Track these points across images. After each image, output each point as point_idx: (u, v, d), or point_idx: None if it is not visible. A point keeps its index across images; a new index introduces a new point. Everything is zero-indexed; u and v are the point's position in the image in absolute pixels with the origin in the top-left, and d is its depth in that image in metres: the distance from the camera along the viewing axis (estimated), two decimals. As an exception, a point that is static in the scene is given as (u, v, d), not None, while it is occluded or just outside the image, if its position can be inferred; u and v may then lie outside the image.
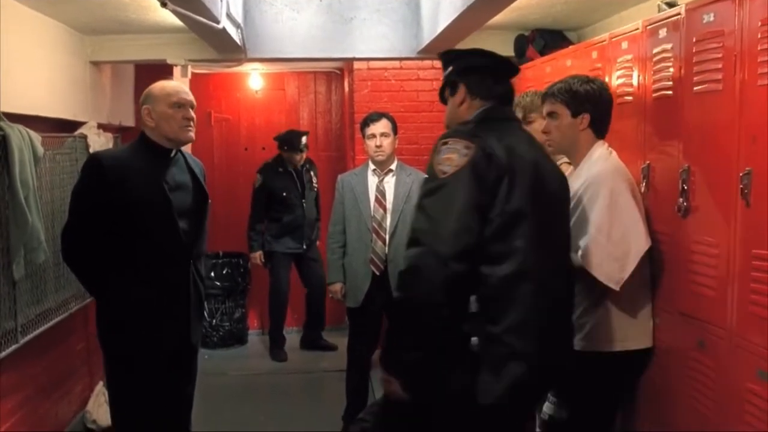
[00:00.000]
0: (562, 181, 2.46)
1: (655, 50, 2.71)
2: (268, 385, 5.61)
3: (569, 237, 2.47)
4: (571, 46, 4.03)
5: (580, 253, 2.69)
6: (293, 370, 5.94)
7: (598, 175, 2.72)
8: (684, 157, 2.52)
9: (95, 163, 2.95)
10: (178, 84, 3.17)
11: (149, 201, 2.94)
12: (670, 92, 2.62)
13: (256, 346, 6.63)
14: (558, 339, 2.33)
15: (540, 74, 4.11)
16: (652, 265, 2.76)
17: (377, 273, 4.28)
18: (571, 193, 2.76)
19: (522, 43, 4.66)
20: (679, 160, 2.55)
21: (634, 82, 2.91)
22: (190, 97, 3.07)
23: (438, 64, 5.41)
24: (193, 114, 3.05)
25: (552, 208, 2.34)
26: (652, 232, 2.70)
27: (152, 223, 2.96)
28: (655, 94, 2.73)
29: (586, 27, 4.50)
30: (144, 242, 2.95)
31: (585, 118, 2.80)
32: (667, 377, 2.68)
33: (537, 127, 3.29)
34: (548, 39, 4.45)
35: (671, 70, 2.61)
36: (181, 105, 3.01)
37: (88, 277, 3.04)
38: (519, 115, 3.34)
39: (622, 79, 3.01)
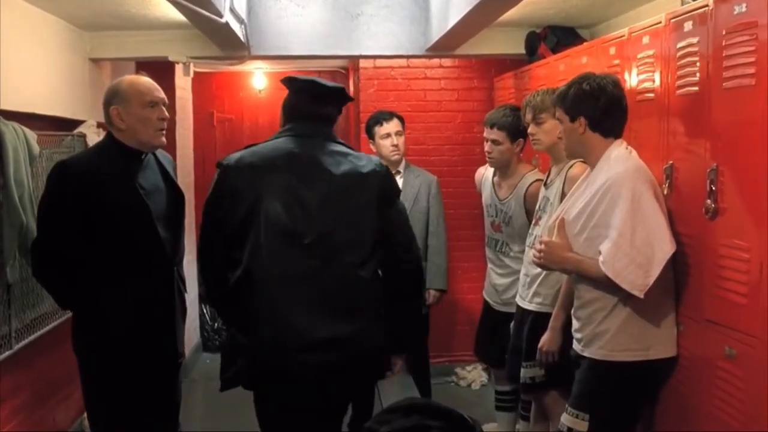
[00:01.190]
0: (341, 179, 2.57)
1: (680, 44, 2.58)
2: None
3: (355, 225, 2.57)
4: (586, 43, 3.90)
5: (600, 259, 2.57)
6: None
7: (618, 175, 2.60)
8: (712, 156, 2.39)
9: (62, 171, 2.74)
10: (148, 79, 2.89)
11: (126, 209, 2.75)
12: (696, 88, 2.48)
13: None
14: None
15: (553, 72, 3.99)
16: (675, 270, 2.63)
17: (384, 277, 4.13)
18: (589, 197, 2.66)
19: (533, 41, 4.54)
20: (706, 159, 2.42)
21: (656, 79, 2.78)
22: (162, 93, 2.86)
23: (446, 63, 5.37)
24: (167, 113, 2.84)
25: (309, 200, 2.53)
26: (675, 235, 2.57)
27: (131, 231, 2.77)
28: (679, 91, 2.60)
29: (599, 24, 4.37)
30: (123, 252, 2.77)
31: (581, 121, 2.69)
32: (692, 388, 2.55)
33: (548, 127, 3.19)
34: (561, 36, 4.33)
35: (698, 65, 2.48)
36: (155, 104, 2.79)
37: (61, 292, 2.88)
38: (529, 115, 3.24)
39: (643, 75, 2.88)
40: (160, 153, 3.00)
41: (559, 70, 3.89)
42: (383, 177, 2.65)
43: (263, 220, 2.50)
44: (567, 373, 2.98)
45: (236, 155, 2.61)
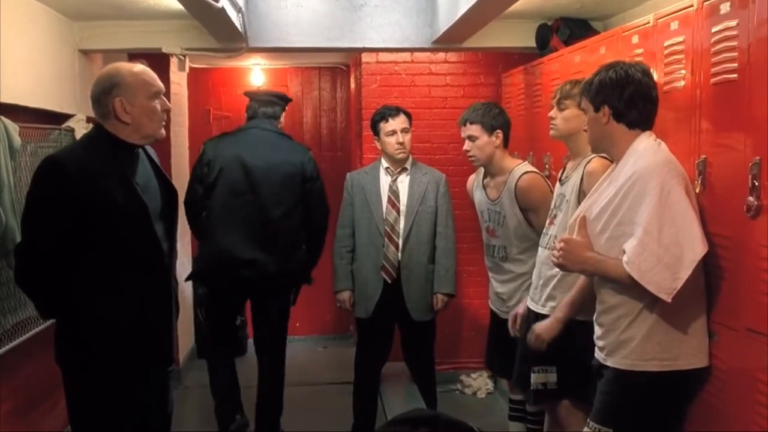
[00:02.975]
0: (277, 158, 4.05)
1: (715, 29, 2.38)
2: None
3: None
4: (604, 32, 3.70)
5: (624, 258, 2.38)
6: (295, 383, 5.60)
7: (645, 169, 2.40)
8: (753, 149, 2.18)
9: (52, 167, 2.50)
10: (148, 68, 2.67)
11: (123, 208, 2.54)
12: (735, 76, 2.28)
13: (255, 356, 6.27)
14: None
15: (567, 65, 3.79)
16: (707, 273, 2.43)
17: (389, 281, 3.97)
18: (613, 192, 2.47)
19: (545, 33, 4.35)
20: (746, 153, 2.21)
21: (687, 68, 2.57)
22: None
23: (452, 57, 5.19)
24: (169, 103, 2.68)
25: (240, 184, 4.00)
26: (708, 235, 2.37)
27: (126, 232, 2.57)
28: (714, 80, 2.40)
29: (614, 15, 4.17)
30: (118, 255, 2.56)
31: (605, 111, 2.51)
32: (728, 402, 2.35)
33: (568, 114, 3.08)
34: (574, 28, 4.13)
35: (736, 52, 2.27)
36: (159, 94, 2.62)
37: (46, 300, 2.62)
38: (554, 99, 3.10)
39: (671, 66, 2.67)
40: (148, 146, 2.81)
41: (574, 62, 3.69)
42: (308, 160, 4.11)
43: (221, 181, 3.98)
44: (580, 381, 2.89)
45: (214, 138, 4.29)
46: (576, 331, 3.04)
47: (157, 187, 2.71)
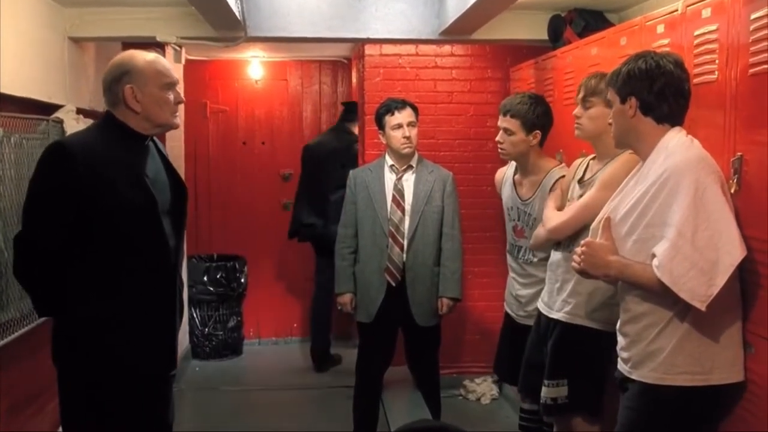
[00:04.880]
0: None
1: (755, 15, 2.20)
2: (264, 403, 5.14)
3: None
4: (626, 22, 3.50)
5: (655, 262, 2.20)
6: (294, 386, 5.46)
7: (677, 165, 2.22)
8: (799, 146, 2.01)
9: (63, 152, 2.37)
10: (162, 57, 2.61)
11: (131, 201, 2.43)
12: (777, 66, 2.10)
13: (252, 357, 6.19)
14: None
15: (582, 59, 3.61)
16: (743, 279, 2.26)
17: (393, 283, 3.79)
18: (641, 192, 2.29)
19: (558, 25, 4.16)
20: (790, 150, 2.04)
21: (721, 58, 2.39)
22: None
23: (458, 50, 5.01)
24: (182, 95, 2.63)
25: None
26: (745, 238, 2.19)
27: (133, 226, 2.45)
28: (752, 70, 2.22)
29: (631, 7, 3.98)
30: (124, 251, 2.44)
31: (632, 103, 2.33)
32: (765, 421, 2.17)
33: (594, 113, 2.89)
34: (589, 19, 3.95)
35: (778, 39, 2.10)
36: (172, 86, 2.54)
37: (47, 296, 2.47)
38: (579, 96, 2.92)
39: (702, 57, 2.48)
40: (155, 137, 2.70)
41: (591, 55, 3.50)
42: None
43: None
44: (593, 393, 2.82)
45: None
46: (590, 340, 2.90)
47: (166, 182, 2.62)
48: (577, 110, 2.94)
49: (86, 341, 2.44)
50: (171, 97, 2.52)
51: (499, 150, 3.42)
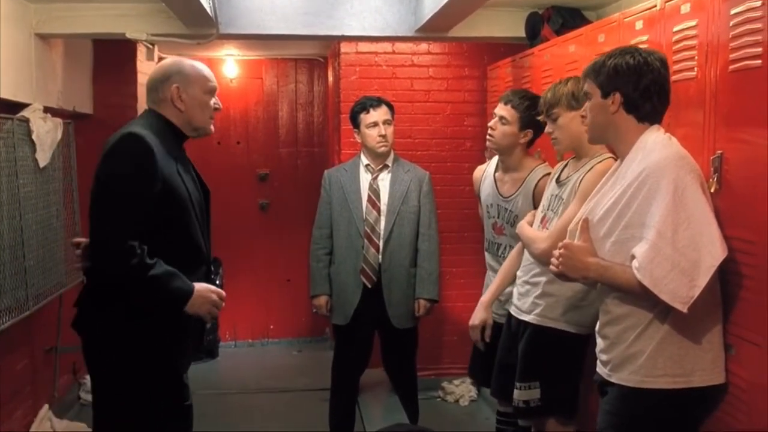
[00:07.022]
0: None
1: (735, 10, 2.16)
2: (240, 406, 5.06)
3: None
4: (603, 19, 3.46)
5: (635, 264, 2.14)
6: (269, 389, 5.38)
7: (657, 164, 2.17)
8: (781, 143, 1.96)
9: (147, 147, 2.38)
10: (205, 65, 2.70)
11: (190, 197, 2.54)
12: (759, 62, 2.06)
13: (227, 360, 6.09)
14: None
15: (560, 56, 3.57)
16: (723, 280, 2.21)
17: (369, 285, 3.72)
18: (619, 192, 2.24)
19: (535, 22, 4.12)
20: (771, 148, 2.00)
21: (700, 55, 2.35)
22: None
23: (435, 48, 4.96)
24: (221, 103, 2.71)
25: None
26: (726, 238, 2.14)
27: (192, 223, 2.55)
28: (732, 67, 2.18)
29: (609, 5, 3.95)
30: (185, 247, 2.54)
31: (616, 98, 2.27)
32: (746, 423, 2.14)
33: (563, 122, 2.88)
34: (567, 17, 3.91)
35: (760, 35, 2.05)
36: (214, 92, 2.65)
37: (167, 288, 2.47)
38: (543, 114, 2.93)
39: (682, 53, 2.44)
40: None
41: (569, 52, 3.46)
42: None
43: None
44: (567, 396, 2.89)
45: None
46: (561, 343, 2.87)
47: (198, 184, 2.67)
48: (548, 127, 2.90)
49: (132, 335, 2.47)
50: (212, 102, 2.62)
51: (488, 138, 3.35)
